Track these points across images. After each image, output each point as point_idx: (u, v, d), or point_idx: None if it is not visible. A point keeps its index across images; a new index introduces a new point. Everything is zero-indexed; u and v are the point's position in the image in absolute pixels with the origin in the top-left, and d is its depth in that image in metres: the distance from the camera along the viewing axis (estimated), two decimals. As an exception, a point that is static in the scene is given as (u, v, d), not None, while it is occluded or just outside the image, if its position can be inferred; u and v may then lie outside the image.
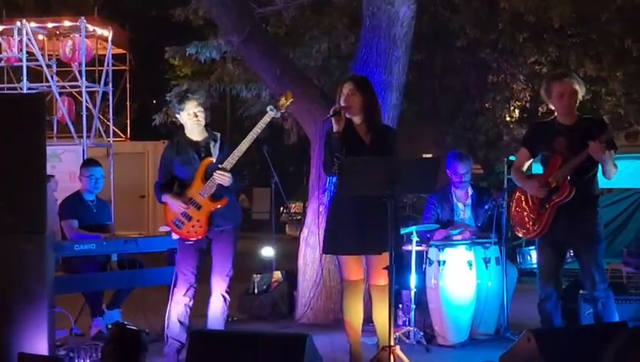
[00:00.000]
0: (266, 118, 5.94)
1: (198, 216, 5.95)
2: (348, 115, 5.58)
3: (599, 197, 5.95)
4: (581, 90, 5.91)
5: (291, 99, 6.06)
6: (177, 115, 6.09)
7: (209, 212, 5.96)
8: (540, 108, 15.10)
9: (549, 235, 5.85)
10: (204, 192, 5.93)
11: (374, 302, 5.64)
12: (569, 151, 5.70)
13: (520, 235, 6.25)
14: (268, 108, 6.02)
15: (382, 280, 5.56)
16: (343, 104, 5.57)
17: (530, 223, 5.94)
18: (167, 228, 6.15)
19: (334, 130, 5.50)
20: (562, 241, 5.90)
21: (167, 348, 6.09)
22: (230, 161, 5.90)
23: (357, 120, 5.65)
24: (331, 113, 5.51)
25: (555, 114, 5.95)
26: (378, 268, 5.52)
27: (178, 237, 6.04)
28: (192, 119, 6.00)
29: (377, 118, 5.79)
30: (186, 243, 6.02)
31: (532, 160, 6.12)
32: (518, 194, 6.17)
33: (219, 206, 5.97)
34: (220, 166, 5.90)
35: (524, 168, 6.12)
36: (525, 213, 6.01)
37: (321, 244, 5.96)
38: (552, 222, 5.79)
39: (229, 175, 5.87)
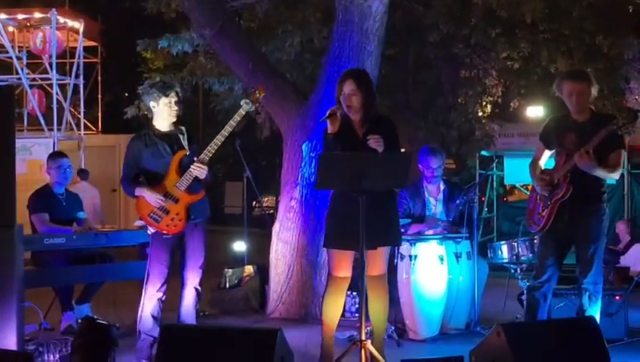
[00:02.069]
0: (241, 112, 5.99)
1: (177, 210, 5.92)
2: (348, 112, 5.61)
3: (604, 194, 5.96)
4: (593, 89, 5.95)
5: (263, 93, 6.13)
6: (154, 103, 6.04)
7: (187, 204, 5.94)
8: (511, 104, 15.20)
9: (551, 231, 5.91)
10: (180, 185, 5.91)
11: (369, 294, 5.66)
12: (578, 148, 5.70)
13: (531, 230, 6.28)
14: (242, 102, 6.05)
15: (376, 270, 5.62)
16: (346, 103, 5.58)
17: (538, 218, 6.01)
18: (142, 223, 6.06)
19: (329, 130, 5.51)
20: (565, 238, 5.94)
21: (140, 343, 6.06)
22: (207, 154, 5.91)
23: (355, 116, 5.67)
24: (326, 115, 5.51)
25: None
26: (372, 260, 5.55)
27: (154, 231, 5.97)
28: (171, 107, 6.02)
29: (374, 111, 5.78)
30: (163, 237, 5.96)
31: (550, 153, 6.15)
32: (533, 188, 6.25)
33: (197, 199, 5.98)
34: (196, 158, 5.91)
35: (542, 161, 6.16)
36: (537, 208, 6.07)
37: (324, 238, 5.96)
38: (555, 217, 5.85)
39: (206, 167, 5.88)
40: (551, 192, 5.89)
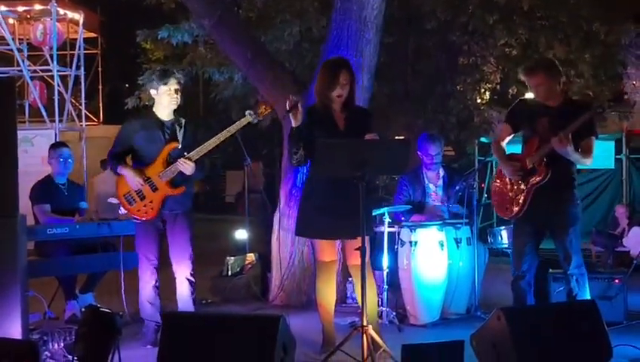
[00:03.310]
0: (243, 121, 5.97)
1: (152, 198, 6.00)
2: (333, 102, 5.62)
3: (576, 180, 5.97)
4: (556, 75, 5.92)
5: (270, 110, 6.13)
6: (155, 90, 6.10)
7: (164, 196, 6.01)
8: (510, 90, 15.15)
9: (527, 216, 5.90)
10: (163, 176, 5.96)
11: (355, 282, 5.68)
12: (550, 133, 5.69)
13: (500, 215, 6.29)
14: (247, 113, 6.03)
15: (356, 259, 5.59)
16: (338, 92, 5.58)
17: (509, 204, 5.99)
18: (116, 201, 6.17)
19: (293, 124, 5.52)
20: (540, 222, 5.93)
21: (145, 329, 6.21)
22: (197, 153, 5.95)
23: (337, 106, 5.67)
24: (288, 109, 5.49)
25: None
26: (351, 248, 5.55)
27: (125, 211, 6.07)
28: (171, 95, 6.05)
29: (354, 101, 5.82)
30: (142, 223, 6.05)
31: (512, 136, 6.13)
32: (498, 173, 6.22)
33: (176, 193, 6.02)
34: (185, 154, 5.93)
35: (504, 144, 6.14)
36: (505, 193, 6.06)
37: (295, 227, 5.98)
38: (530, 203, 5.83)
39: (193, 165, 5.91)
40: (525, 177, 5.87)
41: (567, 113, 5.71)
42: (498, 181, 6.20)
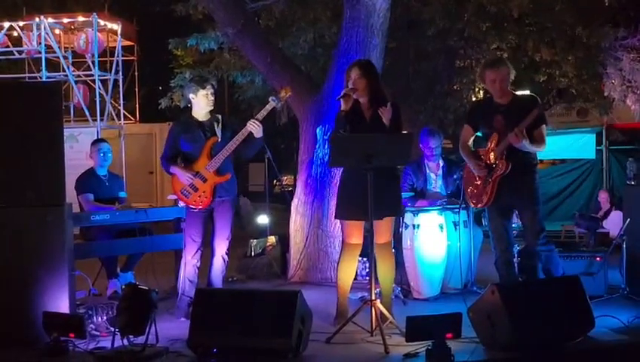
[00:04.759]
0: (268, 107, 6.09)
1: (204, 188, 6.05)
2: (355, 97, 5.63)
3: (537, 165, 6.00)
4: (512, 73, 5.94)
5: (290, 93, 6.28)
6: (193, 95, 6.16)
7: (214, 184, 6.06)
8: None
9: (495, 203, 5.95)
10: (209, 167, 6.05)
11: (377, 259, 5.69)
12: (507, 128, 5.73)
13: (472, 205, 6.34)
14: (270, 99, 6.17)
15: (382, 238, 5.67)
16: (351, 86, 5.61)
17: (479, 195, 6.03)
18: (174, 197, 6.24)
19: (342, 108, 5.55)
20: (507, 206, 5.98)
21: (179, 302, 6.23)
22: (261, 114, 6.06)
23: (363, 100, 5.68)
24: (341, 95, 5.56)
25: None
26: (378, 229, 5.59)
27: (184, 205, 6.12)
28: (208, 98, 6.13)
29: (381, 96, 5.75)
30: (193, 211, 6.10)
31: (475, 134, 6.18)
32: (467, 169, 6.25)
33: (223, 180, 6.09)
34: (253, 119, 6.01)
35: (470, 143, 6.18)
36: (475, 186, 6.09)
37: (335, 210, 5.98)
38: (497, 192, 5.88)
39: (260, 126, 6.00)
40: (489, 171, 5.88)
41: (518, 109, 5.76)
42: (467, 176, 6.26)
